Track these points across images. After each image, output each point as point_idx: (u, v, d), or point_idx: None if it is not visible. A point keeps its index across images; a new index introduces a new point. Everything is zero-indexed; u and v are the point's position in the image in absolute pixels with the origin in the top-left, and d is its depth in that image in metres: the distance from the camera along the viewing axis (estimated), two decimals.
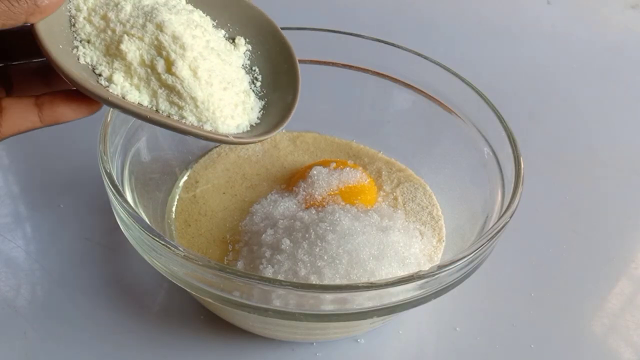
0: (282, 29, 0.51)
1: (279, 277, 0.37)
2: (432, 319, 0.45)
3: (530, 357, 0.43)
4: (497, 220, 0.38)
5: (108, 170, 0.37)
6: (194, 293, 0.35)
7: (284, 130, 0.51)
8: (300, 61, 0.53)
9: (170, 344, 0.41)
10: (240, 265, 0.41)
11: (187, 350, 0.41)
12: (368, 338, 0.43)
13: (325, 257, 0.37)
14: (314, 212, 0.43)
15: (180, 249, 0.33)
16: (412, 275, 0.32)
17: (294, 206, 0.44)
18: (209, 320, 0.43)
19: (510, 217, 0.37)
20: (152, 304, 0.44)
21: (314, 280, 0.36)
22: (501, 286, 0.48)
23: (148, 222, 0.35)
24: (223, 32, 0.37)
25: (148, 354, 0.41)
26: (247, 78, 0.37)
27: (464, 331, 0.44)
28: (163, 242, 0.33)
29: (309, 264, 0.37)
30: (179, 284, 0.35)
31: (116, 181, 0.37)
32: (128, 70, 0.32)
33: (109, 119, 0.40)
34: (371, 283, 0.32)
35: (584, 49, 0.81)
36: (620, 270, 0.51)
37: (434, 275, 0.33)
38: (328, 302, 0.32)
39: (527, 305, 0.46)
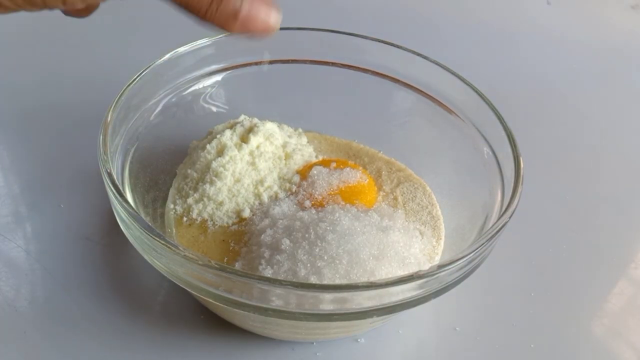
0: (283, 29, 0.52)
1: (279, 278, 0.37)
2: (432, 319, 0.45)
3: (530, 357, 0.43)
4: (497, 220, 0.38)
5: (108, 170, 0.37)
6: (194, 293, 0.35)
7: (285, 129, 0.51)
8: (301, 61, 0.53)
9: (170, 344, 0.41)
10: (238, 265, 0.41)
11: (187, 350, 0.41)
12: (368, 338, 0.43)
13: (325, 257, 0.37)
14: (313, 212, 0.43)
15: (180, 248, 0.33)
16: (412, 275, 0.32)
17: (294, 206, 0.44)
18: (209, 320, 0.43)
19: (510, 216, 0.37)
20: (152, 304, 0.44)
21: (313, 280, 0.36)
22: (501, 286, 0.48)
23: (148, 222, 0.35)
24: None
25: (148, 354, 0.41)
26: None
27: (464, 331, 0.44)
28: (163, 242, 0.33)
29: (308, 264, 0.37)
30: (179, 284, 0.35)
31: (116, 181, 0.37)
32: None
33: (109, 119, 0.40)
34: (371, 283, 0.32)
35: (584, 50, 0.81)
36: (620, 270, 0.51)
37: (433, 275, 0.33)
38: (328, 302, 0.32)
39: (527, 305, 0.46)
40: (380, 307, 0.33)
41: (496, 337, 0.44)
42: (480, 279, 0.47)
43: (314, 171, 0.46)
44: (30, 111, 0.61)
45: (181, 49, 0.48)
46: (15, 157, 0.56)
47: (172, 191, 0.48)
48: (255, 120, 0.50)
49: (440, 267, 0.33)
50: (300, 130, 0.53)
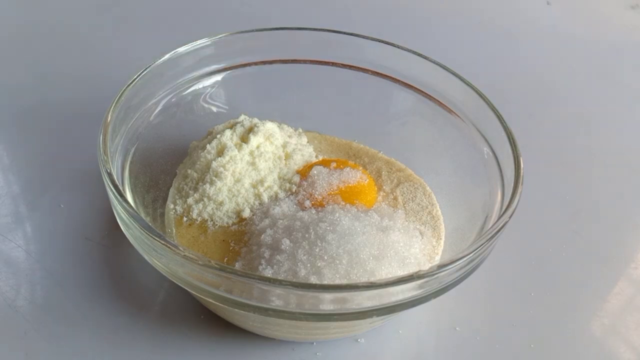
0: (283, 29, 0.52)
1: (279, 277, 0.37)
2: (432, 319, 0.45)
3: (530, 357, 0.43)
4: (497, 220, 0.38)
5: (108, 170, 0.37)
6: (194, 292, 0.35)
7: (285, 129, 0.51)
8: (301, 61, 0.53)
9: (170, 343, 0.41)
10: (238, 265, 0.41)
11: (187, 350, 0.41)
12: (368, 338, 0.43)
13: (325, 257, 0.37)
14: (313, 212, 0.43)
15: (180, 248, 0.33)
16: (412, 275, 0.32)
17: (294, 206, 0.44)
18: (209, 320, 0.43)
19: (510, 216, 0.37)
20: (152, 303, 0.44)
21: (313, 280, 0.36)
22: (501, 286, 0.48)
23: (148, 222, 0.35)
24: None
25: (148, 354, 0.41)
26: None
27: (464, 331, 0.44)
28: (163, 242, 0.33)
29: (308, 264, 0.37)
30: (178, 283, 0.35)
31: (116, 181, 0.37)
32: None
33: (109, 119, 0.40)
34: (371, 283, 0.32)
35: (584, 49, 0.81)
36: (620, 270, 0.51)
37: (433, 275, 0.33)
38: (328, 302, 0.32)
39: (527, 305, 0.46)
40: (380, 307, 0.33)
41: (496, 337, 0.44)
42: (480, 279, 0.47)
43: (314, 171, 0.46)
44: (30, 111, 0.61)
45: (181, 49, 0.48)
46: (15, 157, 0.56)
47: (172, 191, 0.48)
48: (256, 120, 0.50)
49: (440, 267, 0.33)
50: (301, 130, 0.53)
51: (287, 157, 0.49)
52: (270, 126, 0.49)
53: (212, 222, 0.45)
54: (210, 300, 0.34)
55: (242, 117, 0.50)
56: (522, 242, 0.51)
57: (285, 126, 0.52)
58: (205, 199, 0.45)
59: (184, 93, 0.50)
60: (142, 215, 0.39)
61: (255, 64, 0.52)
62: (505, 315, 0.46)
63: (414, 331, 0.44)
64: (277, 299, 0.32)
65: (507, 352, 0.43)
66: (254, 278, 0.32)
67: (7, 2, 0.80)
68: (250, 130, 0.48)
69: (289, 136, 0.50)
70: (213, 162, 0.46)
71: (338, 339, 0.43)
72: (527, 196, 0.51)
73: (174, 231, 0.45)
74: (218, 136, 0.48)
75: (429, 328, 0.44)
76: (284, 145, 0.49)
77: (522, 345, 0.44)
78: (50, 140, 0.57)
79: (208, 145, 0.47)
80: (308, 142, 0.52)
